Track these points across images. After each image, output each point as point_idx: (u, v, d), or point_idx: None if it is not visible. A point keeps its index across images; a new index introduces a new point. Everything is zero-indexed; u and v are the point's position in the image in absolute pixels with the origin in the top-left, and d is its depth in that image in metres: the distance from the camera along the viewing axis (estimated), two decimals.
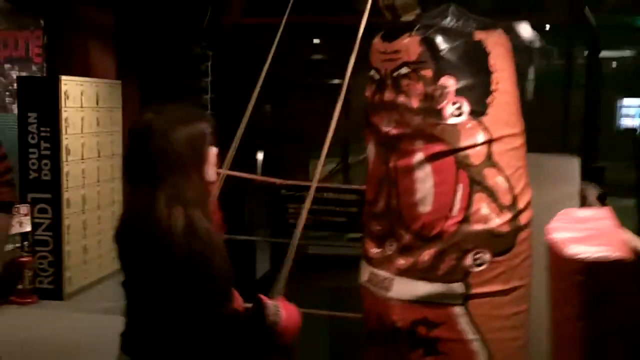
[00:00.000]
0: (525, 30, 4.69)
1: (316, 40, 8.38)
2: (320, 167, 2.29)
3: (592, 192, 2.68)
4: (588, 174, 2.77)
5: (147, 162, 1.70)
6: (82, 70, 6.37)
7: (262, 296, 1.81)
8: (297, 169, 6.29)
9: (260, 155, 2.75)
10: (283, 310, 1.79)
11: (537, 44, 5.29)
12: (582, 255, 1.46)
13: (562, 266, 1.52)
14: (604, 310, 1.44)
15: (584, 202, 2.62)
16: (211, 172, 1.79)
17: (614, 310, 1.44)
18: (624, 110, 12.25)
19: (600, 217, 1.70)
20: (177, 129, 1.71)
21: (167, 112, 1.77)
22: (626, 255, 1.45)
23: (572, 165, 2.67)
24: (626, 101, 12.17)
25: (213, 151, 1.79)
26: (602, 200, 2.74)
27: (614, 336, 1.46)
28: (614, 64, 11.54)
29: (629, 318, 1.42)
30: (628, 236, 1.59)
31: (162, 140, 1.69)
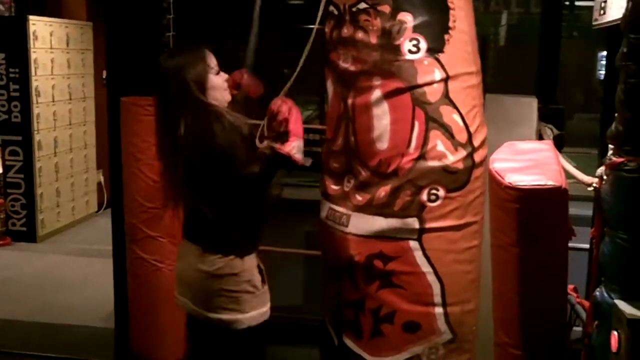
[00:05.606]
0: None
1: None
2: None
3: (549, 133, 2.72)
4: (547, 115, 2.80)
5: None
6: (52, 11, 6.23)
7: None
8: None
9: None
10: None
11: None
12: (517, 184, 1.50)
13: (499, 195, 1.56)
14: (536, 237, 1.48)
15: None
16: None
17: (545, 237, 1.49)
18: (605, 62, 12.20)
19: (541, 149, 1.73)
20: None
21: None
22: (559, 184, 1.49)
23: (530, 106, 2.70)
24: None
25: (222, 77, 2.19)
26: (559, 141, 2.79)
27: (545, 261, 1.51)
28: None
29: (558, 244, 1.47)
30: (567, 166, 1.64)
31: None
